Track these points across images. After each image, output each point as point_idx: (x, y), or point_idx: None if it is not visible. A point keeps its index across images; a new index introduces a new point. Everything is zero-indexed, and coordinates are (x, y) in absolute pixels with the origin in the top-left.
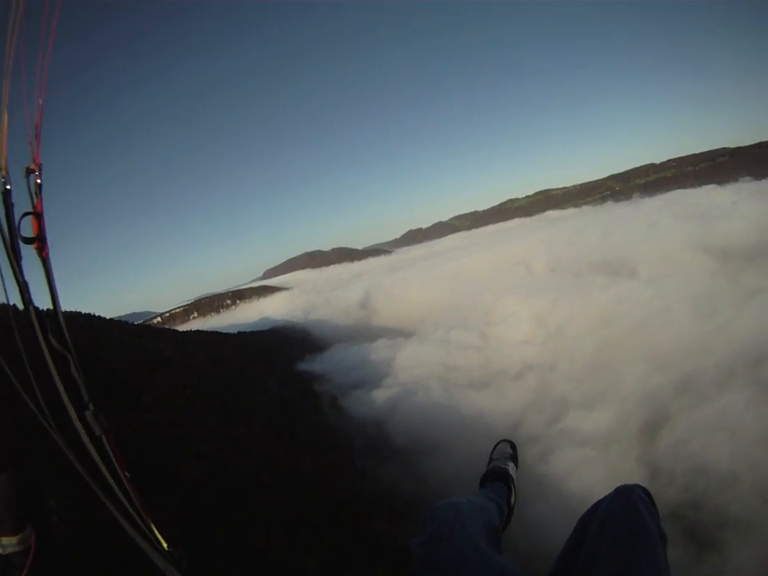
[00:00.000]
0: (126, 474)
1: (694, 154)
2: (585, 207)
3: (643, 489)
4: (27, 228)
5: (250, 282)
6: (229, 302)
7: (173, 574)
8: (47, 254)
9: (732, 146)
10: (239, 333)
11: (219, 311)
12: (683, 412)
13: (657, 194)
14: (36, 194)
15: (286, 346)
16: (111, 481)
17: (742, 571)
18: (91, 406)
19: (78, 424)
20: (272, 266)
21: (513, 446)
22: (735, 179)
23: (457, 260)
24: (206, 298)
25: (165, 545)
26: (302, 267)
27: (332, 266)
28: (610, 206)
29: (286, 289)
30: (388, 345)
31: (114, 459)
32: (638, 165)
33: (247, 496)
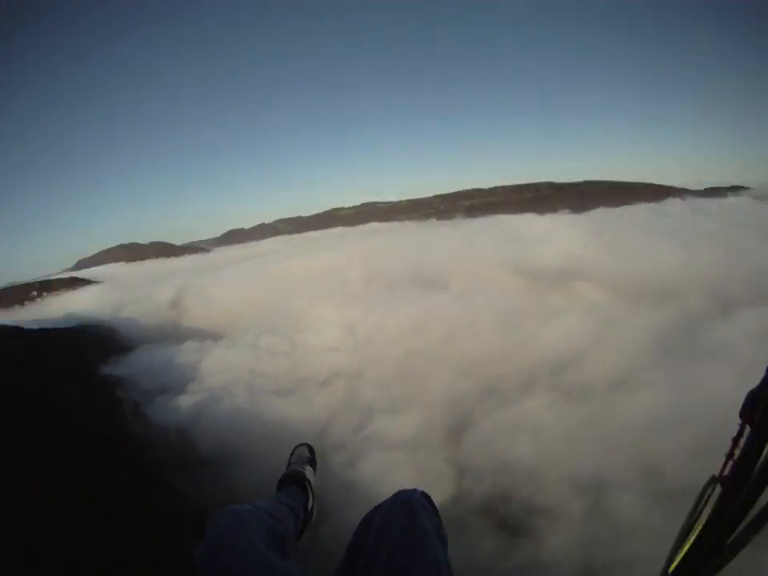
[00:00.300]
0: None
1: (520, 185)
2: (408, 222)
3: (423, 493)
4: None
5: (61, 271)
6: (35, 293)
7: None
8: None
9: (556, 181)
10: (40, 330)
11: (23, 303)
12: (487, 415)
13: (480, 216)
14: None
15: (91, 345)
16: None
17: (552, 550)
18: None
19: None
20: (86, 256)
21: (311, 449)
22: (555, 210)
23: (275, 263)
24: (10, 288)
25: None
26: (118, 260)
27: (148, 261)
28: (432, 223)
29: (98, 282)
30: (196, 347)
31: None
32: (466, 188)
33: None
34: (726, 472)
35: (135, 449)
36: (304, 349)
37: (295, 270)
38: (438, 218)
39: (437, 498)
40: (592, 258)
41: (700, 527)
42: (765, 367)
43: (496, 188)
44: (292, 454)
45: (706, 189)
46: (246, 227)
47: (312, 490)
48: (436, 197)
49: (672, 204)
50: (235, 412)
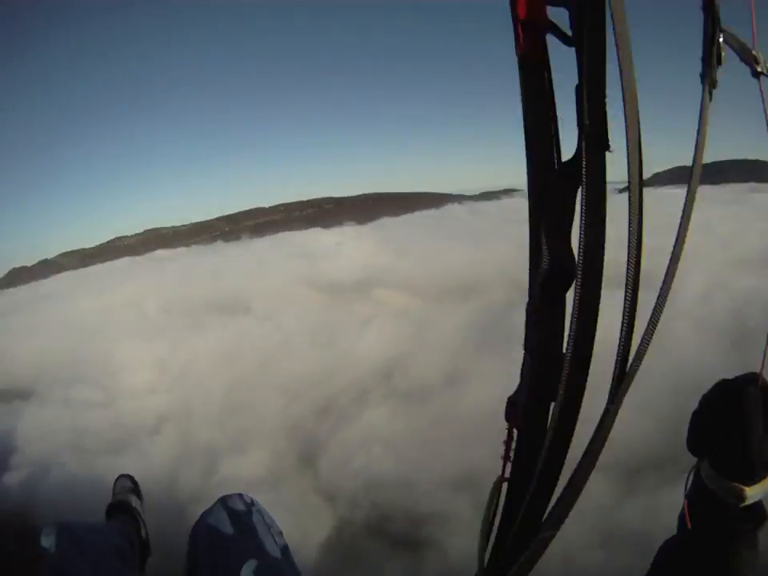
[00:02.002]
0: None
1: (301, 201)
2: (195, 247)
3: (243, 495)
4: None
5: None
6: None
7: None
8: None
9: (337, 195)
10: None
11: None
12: (333, 435)
13: (266, 235)
14: None
15: None
16: None
17: (461, 552)
18: None
19: None
20: None
21: (132, 480)
22: (340, 224)
23: (65, 302)
24: None
25: None
26: None
27: None
28: (220, 245)
29: None
30: (5, 411)
31: None
32: (248, 207)
33: None
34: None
35: None
36: (121, 395)
37: (88, 308)
38: (225, 240)
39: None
40: (386, 265)
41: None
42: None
43: (279, 206)
44: (114, 486)
45: (480, 193)
46: (28, 264)
47: (142, 518)
48: (219, 219)
49: (451, 209)
50: (73, 481)
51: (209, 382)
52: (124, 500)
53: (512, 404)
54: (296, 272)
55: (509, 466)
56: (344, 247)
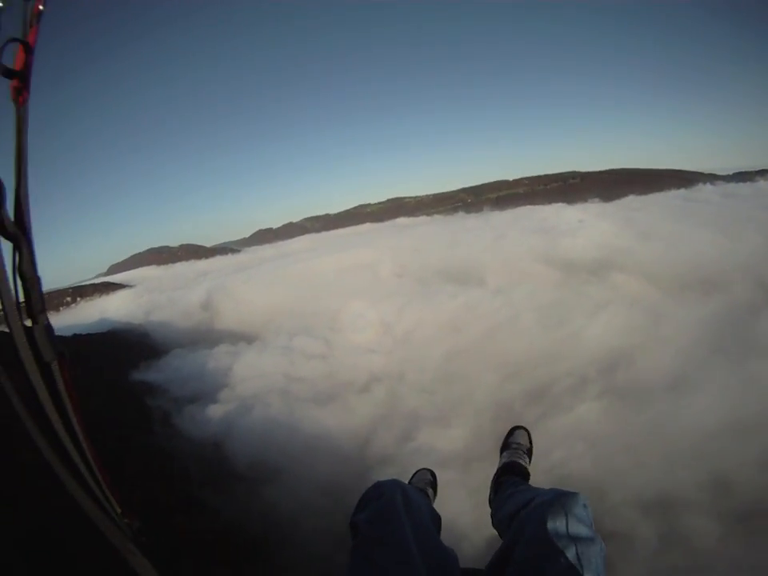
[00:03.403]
0: (79, 413)
1: (547, 175)
2: (436, 216)
3: (582, 497)
4: (10, 59)
5: (94, 277)
6: (69, 299)
7: (129, 551)
8: (25, 101)
9: (583, 170)
10: (74, 335)
11: (59, 309)
12: (539, 422)
13: (507, 209)
14: (32, 22)
15: (122, 351)
16: (57, 420)
17: None
18: (45, 320)
19: (21, 342)
20: (117, 261)
21: (433, 474)
22: (584, 200)
23: (305, 262)
24: (45, 294)
25: (118, 510)
26: (149, 263)
27: (179, 264)
28: (460, 216)
29: (130, 286)
30: (229, 351)
31: (64, 394)
32: (491, 180)
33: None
34: None
35: (164, 462)
36: (340, 350)
37: (325, 268)
38: (466, 212)
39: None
40: (627, 248)
41: None
42: None
43: (522, 179)
44: (413, 477)
45: (734, 173)
46: (274, 227)
47: (432, 499)
48: (462, 190)
49: (702, 190)
50: (270, 422)
51: (428, 348)
52: (421, 489)
53: None
54: (534, 247)
55: None
56: (585, 225)
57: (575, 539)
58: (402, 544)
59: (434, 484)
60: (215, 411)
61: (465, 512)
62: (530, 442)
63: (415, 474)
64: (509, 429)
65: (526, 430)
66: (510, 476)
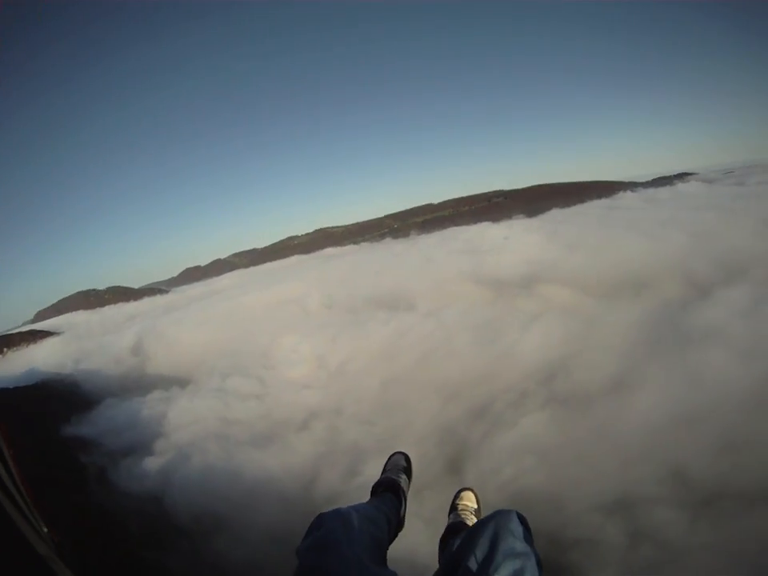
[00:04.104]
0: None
1: (471, 195)
2: (363, 244)
3: (519, 515)
4: None
5: (21, 325)
6: None
7: (55, 563)
8: None
9: (507, 188)
10: (0, 390)
11: None
12: (485, 440)
13: (434, 232)
14: None
15: (52, 403)
16: None
17: None
18: None
19: None
20: (44, 308)
21: (407, 459)
22: (509, 217)
23: (234, 299)
24: None
25: (44, 528)
26: (76, 308)
27: (107, 307)
28: (387, 242)
29: (58, 333)
30: (162, 398)
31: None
32: (417, 204)
33: None
34: None
35: (102, 521)
36: (275, 388)
37: (254, 304)
38: (393, 237)
39: None
40: (554, 260)
41: None
42: None
43: (447, 201)
44: (387, 462)
45: (653, 179)
46: (202, 264)
47: (405, 499)
48: (388, 216)
49: (624, 197)
50: (210, 470)
51: (364, 379)
52: (394, 479)
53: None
54: (462, 268)
55: None
56: (511, 241)
57: (511, 555)
58: (339, 571)
59: (407, 470)
60: (152, 463)
61: (423, 543)
62: (478, 503)
63: (389, 459)
64: (455, 491)
65: (473, 491)
66: (457, 537)
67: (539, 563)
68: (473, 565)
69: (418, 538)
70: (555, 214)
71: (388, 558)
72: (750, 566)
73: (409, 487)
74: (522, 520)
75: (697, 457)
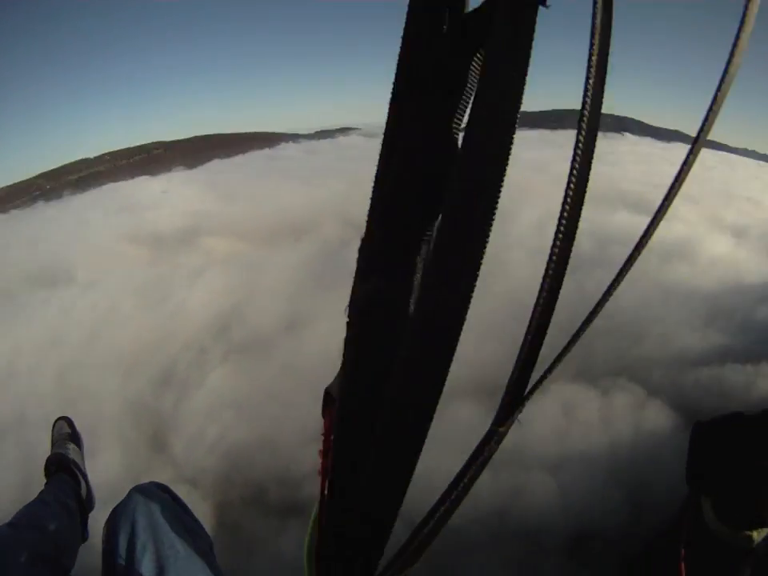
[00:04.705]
0: None
1: (129, 148)
2: (14, 212)
3: (158, 484)
4: None
5: None
6: None
7: None
8: None
9: (167, 139)
10: None
11: None
12: (179, 408)
13: (89, 190)
14: None
15: None
16: None
17: None
18: None
19: None
20: None
21: (69, 422)
22: (169, 170)
23: None
24: None
25: None
26: None
27: None
28: (40, 207)
29: None
30: None
31: None
32: (71, 160)
33: None
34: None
35: None
36: None
37: None
38: (47, 200)
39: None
40: (213, 211)
41: None
42: None
43: (104, 155)
44: (53, 433)
45: (316, 132)
46: None
47: (82, 472)
48: (39, 176)
49: (286, 148)
50: None
51: (37, 373)
52: (61, 453)
53: (329, 397)
54: (120, 228)
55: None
56: (170, 195)
57: (153, 539)
58: None
59: (73, 435)
60: None
61: None
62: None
63: (53, 429)
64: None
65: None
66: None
67: (188, 526)
68: (120, 560)
69: None
70: (216, 165)
71: None
72: None
73: (82, 455)
74: (164, 489)
75: None
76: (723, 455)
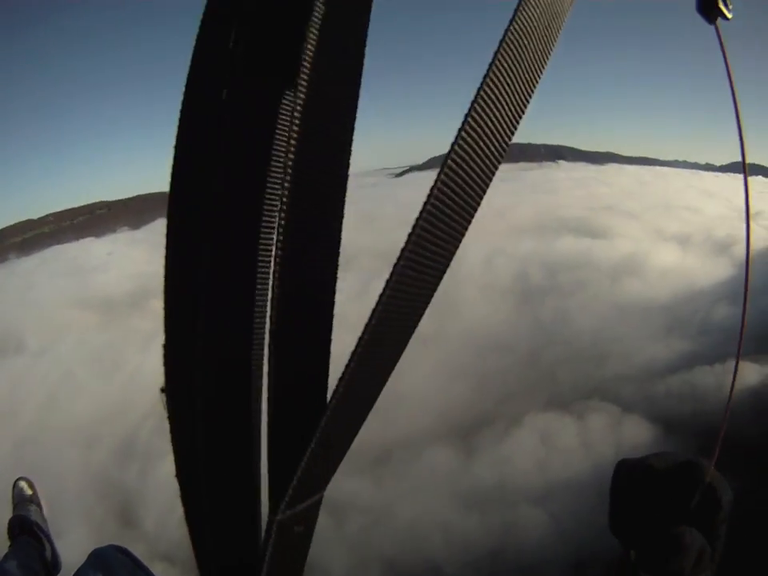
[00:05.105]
0: None
1: (72, 208)
2: None
3: (117, 547)
4: None
5: None
6: None
7: None
8: None
9: (110, 199)
10: None
11: None
12: (144, 478)
13: (34, 253)
14: None
15: None
16: None
17: None
18: None
19: None
20: None
21: (29, 483)
22: (114, 230)
23: None
24: None
25: None
26: None
27: None
28: None
29: None
30: None
31: None
32: (14, 222)
33: None
34: None
35: None
36: None
37: None
38: None
39: None
40: (161, 273)
41: None
42: None
43: (47, 216)
44: (13, 494)
45: None
46: None
47: (45, 534)
48: None
49: None
50: None
51: None
52: (23, 516)
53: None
54: (68, 292)
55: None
56: (116, 257)
57: None
58: None
59: (34, 498)
60: None
61: None
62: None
63: (13, 489)
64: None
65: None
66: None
67: None
68: None
69: None
70: (160, 225)
71: None
72: None
73: (43, 515)
74: (123, 551)
75: None
76: (640, 514)
